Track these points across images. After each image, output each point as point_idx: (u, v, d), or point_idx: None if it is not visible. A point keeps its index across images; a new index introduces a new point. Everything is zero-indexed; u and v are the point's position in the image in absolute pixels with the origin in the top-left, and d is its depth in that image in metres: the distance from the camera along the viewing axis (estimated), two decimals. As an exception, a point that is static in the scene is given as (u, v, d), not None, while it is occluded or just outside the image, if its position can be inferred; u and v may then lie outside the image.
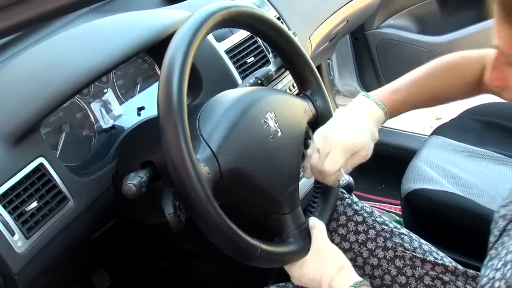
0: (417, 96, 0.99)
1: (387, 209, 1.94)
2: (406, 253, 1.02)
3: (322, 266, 0.87)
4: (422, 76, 0.99)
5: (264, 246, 0.82)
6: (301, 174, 0.98)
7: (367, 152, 0.95)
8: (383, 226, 1.05)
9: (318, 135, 0.96)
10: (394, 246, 1.03)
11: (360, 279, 0.87)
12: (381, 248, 1.03)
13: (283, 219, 0.90)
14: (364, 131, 0.94)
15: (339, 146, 0.92)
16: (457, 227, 1.28)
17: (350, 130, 0.93)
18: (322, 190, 1.04)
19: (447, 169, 1.40)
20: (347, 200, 1.09)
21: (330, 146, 0.93)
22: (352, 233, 1.05)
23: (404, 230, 1.07)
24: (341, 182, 0.98)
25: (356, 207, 1.08)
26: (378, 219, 1.07)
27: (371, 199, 2.00)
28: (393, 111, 0.98)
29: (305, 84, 1.06)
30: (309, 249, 0.89)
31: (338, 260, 0.88)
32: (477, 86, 0.99)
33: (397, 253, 1.02)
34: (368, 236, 1.04)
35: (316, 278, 0.87)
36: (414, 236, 1.07)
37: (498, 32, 0.65)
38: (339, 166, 0.93)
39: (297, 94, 1.08)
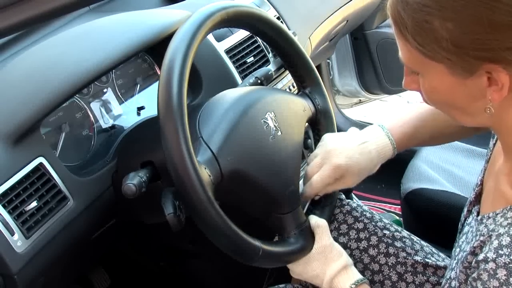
0: (423, 132, 0.98)
1: (387, 208, 1.94)
2: (407, 259, 1.02)
3: (325, 265, 0.88)
4: (427, 112, 0.98)
5: (265, 247, 0.82)
6: (301, 174, 0.98)
7: (353, 182, 0.95)
8: (385, 231, 1.05)
9: (323, 143, 0.96)
10: (396, 252, 1.03)
11: (360, 276, 0.88)
12: (383, 255, 1.03)
13: (283, 219, 0.90)
14: (364, 163, 0.94)
15: (333, 166, 0.93)
16: (456, 226, 1.28)
17: (351, 156, 0.93)
18: None
19: (447, 168, 1.40)
20: (346, 207, 1.08)
21: (326, 160, 0.94)
22: (354, 241, 1.05)
23: (405, 233, 1.07)
24: (315, 198, 0.98)
25: (356, 214, 1.07)
26: (379, 223, 1.06)
27: (371, 199, 2.00)
28: (401, 145, 0.97)
29: (304, 82, 1.06)
30: (310, 248, 0.89)
31: (341, 260, 0.89)
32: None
33: (399, 259, 1.02)
34: (370, 243, 1.04)
35: (318, 276, 0.88)
36: (415, 238, 1.07)
37: (398, 45, 0.70)
38: (323, 183, 0.94)
39: (297, 93, 1.08)
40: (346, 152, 0.93)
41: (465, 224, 0.83)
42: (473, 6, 0.60)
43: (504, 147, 0.74)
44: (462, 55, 0.63)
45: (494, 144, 0.83)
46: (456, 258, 0.79)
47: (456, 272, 0.76)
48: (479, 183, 0.83)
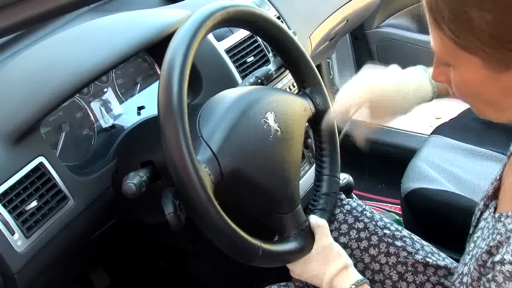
0: None
1: (387, 208, 1.94)
2: (408, 258, 1.02)
3: (325, 265, 0.88)
4: None
5: (265, 246, 0.82)
6: (301, 174, 0.98)
7: (385, 119, 0.92)
8: (385, 231, 1.05)
9: (361, 75, 0.94)
10: (396, 251, 1.03)
11: (360, 277, 0.88)
12: (383, 254, 1.03)
13: (283, 218, 0.90)
14: (399, 101, 0.91)
15: (363, 83, 0.92)
16: (457, 226, 1.28)
17: (387, 93, 0.91)
18: (323, 188, 1.04)
19: (447, 168, 1.40)
20: (346, 206, 1.08)
21: (359, 78, 0.92)
22: (354, 240, 1.05)
23: (405, 232, 1.07)
24: (367, 134, 0.94)
25: (356, 213, 1.07)
26: (379, 223, 1.06)
27: (371, 199, 2.00)
28: (442, 89, 0.94)
29: (305, 82, 1.06)
30: (310, 248, 0.89)
31: (341, 260, 0.88)
32: None
33: (399, 259, 1.02)
34: (371, 242, 1.04)
35: (318, 276, 0.88)
36: (416, 238, 1.06)
37: (431, 34, 0.68)
38: (352, 100, 0.91)
39: (297, 93, 1.08)
40: (382, 87, 0.91)
41: (481, 219, 0.81)
42: None
43: None
44: (499, 48, 0.61)
45: None
46: (470, 253, 0.77)
47: (469, 268, 0.74)
48: (498, 178, 0.81)
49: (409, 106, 0.93)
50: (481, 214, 0.82)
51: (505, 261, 0.63)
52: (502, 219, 0.71)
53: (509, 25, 0.59)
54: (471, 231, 0.85)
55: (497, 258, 0.65)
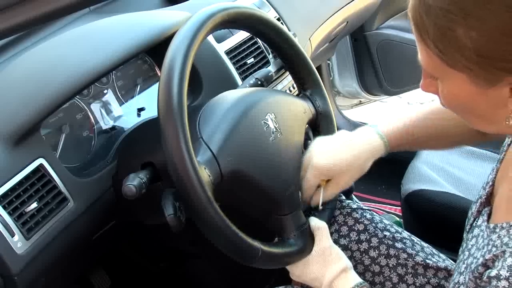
0: (418, 130, 0.96)
1: (387, 210, 1.94)
2: (408, 260, 1.02)
3: (325, 267, 0.88)
4: (429, 110, 0.96)
5: (265, 248, 0.82)
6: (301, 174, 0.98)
7: (345, 182, 0.94)
8: (385, 233, 1.05)
9: (311, 147, 0.96)
10: (396, 253, 1.03)
11: (360, 280, 0.87)
12: (383, 256, 1.03)
13: (283, 220, 0.90)
14: (349, 160, 0.93)
15: (313, 167, 0.93)
16: (457, 227, 1.28)
17: (333, 155, 0.93)
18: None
19: (447, 170, 1.40)
20: (346, 208, 1.08)
21: (309, 163, 0.94)
22: (354, 242, 1.05)
23: (405, 234, 1.07)
24: (319, 207, 0.97)
25: (356, 215, 1.07)
26: (379, 225, 1.06)
27: (371, 200, 2.00)
28: (395, 143, 0.96)
29: (305, 84, 1.06)
30: (310, 250, 0.89)
31: (341, 263, 0.88)
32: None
33: (399, 261, 1.02)
34: (371, 244, 1.04)
35: (317, 278, 0.88)
36: (416, 239, 1.06)
37: (418, 48, 0.67)
38: (309, 185, 0.94)
39: (297, 95, 1.08)
40: (328, 152, 0.93)
41: (474, 225, 0.81)
42: (499, 14, 0.57)
43: None
44: (485, 66, 0.61)
45: (509, 145, 0.80)
46: (465, 262, 0.77)
47: (465, 278, 0.74)
48: (490, 183, 0.81)
49: (362, 163, 0.94)
50: (474, 219, 0.82)
51: (501, 277, 0.63)
52: (497, 230, 0.71)
53: (495, 43, 0.59)
54: (464, 236, 0.85)
55: (493, 273, 0.65)
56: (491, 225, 0.73)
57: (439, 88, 0.70)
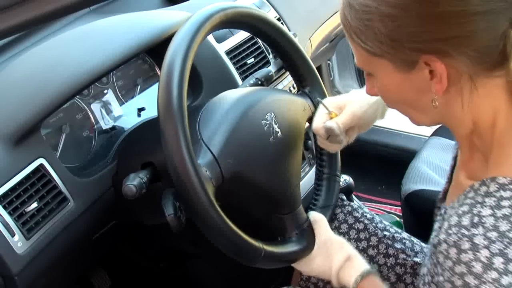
0: None
1: (387, 210, 1.94)
2: (407, 260, 1.02)
3: (329, 258, 0.88)
4: None
5: (267, 248, 0.82)
6: (301, 175, 0.98)
7: (355, 109, 0.96)
8: (385, 233, 1.05)
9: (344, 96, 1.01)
10: (395, 253, 1.03)
11: (367, 266, 0.86)
12: (382, 255, 1.03)
13: (284, 219, 0.90)
14: (356, 95, 0.97)
15: (329, 100, 0.98)
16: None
17: (362, 106, 0.96)
18: (323, 186, 1.05)
19: (447, 170, 1.40)
20: (347, 207, 1.08)
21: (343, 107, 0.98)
22: (353, 240, 1.05)
23: (405, 235, 1.07)
24: (342, 140, 0.95)
25: (356, 214, 1.07)
26: (379, 225, 1.06)
27: (371, 200, 2.00)
28: None
29: (304, 82, 1.06)
30: (312, 247, 0.89)
31: (343, 252, 0.88)
32: None
33: (398, 260, 1.02)
34: (370, 243, 1.04)
35: (325, 271, 0.88)
36: (415, 240, 1.07)
37: (352, 49, 0.75)
38: (319, 121, 0.96)
39: (296, 92, 1.08)
40: (360, 102, 0.97)
41: (436, 221, 0.83)
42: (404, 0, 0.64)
43: (458, 141, 0.77)
44: (399, 48, 0.66)
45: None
46: (429, 253, 0.78)
47: (428, 268, 0.76)
48: (446, 181, 0.85)
49: (379, 114, 0.99)
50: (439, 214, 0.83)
51: (441, 240, 0.65)
52: (447, 216, 0.71)
53: (403, 27, 0.65)
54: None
55: (435, 240, 0.67)
56: (445, 215, 0.74)
57: (375, 86, 0.75)
